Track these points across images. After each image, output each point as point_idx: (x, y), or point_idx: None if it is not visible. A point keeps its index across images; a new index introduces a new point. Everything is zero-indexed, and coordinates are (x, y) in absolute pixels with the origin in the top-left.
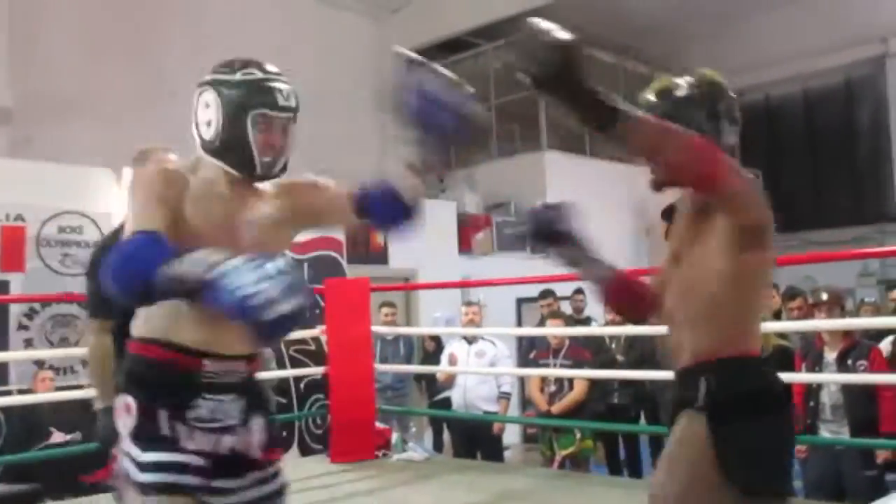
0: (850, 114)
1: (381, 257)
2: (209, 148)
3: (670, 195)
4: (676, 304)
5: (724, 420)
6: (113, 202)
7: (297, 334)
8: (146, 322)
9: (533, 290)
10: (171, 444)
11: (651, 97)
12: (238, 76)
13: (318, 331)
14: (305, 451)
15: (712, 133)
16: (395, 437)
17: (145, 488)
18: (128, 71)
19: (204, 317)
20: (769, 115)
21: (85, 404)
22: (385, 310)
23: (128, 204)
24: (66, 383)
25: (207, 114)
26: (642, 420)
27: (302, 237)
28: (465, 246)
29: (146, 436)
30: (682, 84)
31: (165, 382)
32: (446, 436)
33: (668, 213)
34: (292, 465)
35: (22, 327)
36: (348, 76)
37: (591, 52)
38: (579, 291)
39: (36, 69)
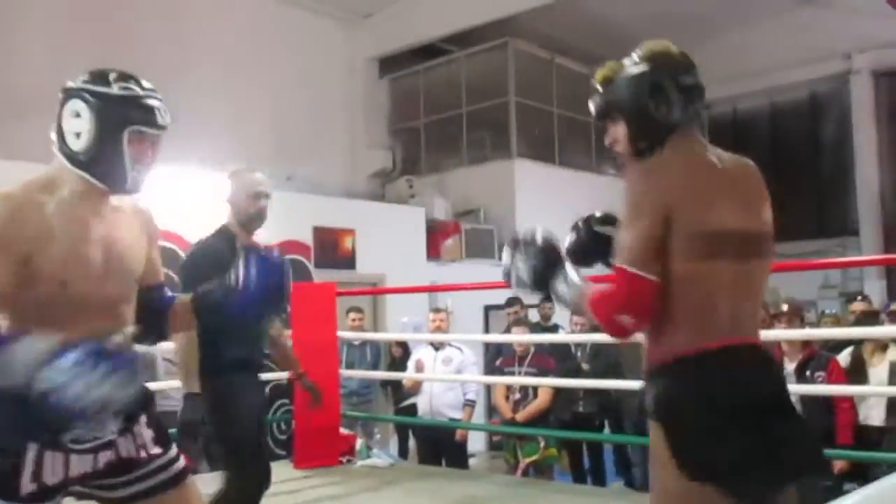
0: (814, 128)
1: (349, 262)
2: (75, 159)
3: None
4: None
5: (675, 429)
6: None
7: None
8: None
9: (501, 297)
10: (13, 494)
11: (596, 86)
12: (115, 90)
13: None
14: (269, 456)
15: (658, 109)
16: (359, 443)
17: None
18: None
19: (55, 327)
20: (736, 127)
21: None
22: (352, 315)
23: None
24: None
25: (76, 124)
26: (606, 429)
27: (270, 240)
28: (433, 252)
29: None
30: (621, 68)
31: (33, 412)
32: (412, 442)
33: None
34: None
35: None
36: (319, 81)
37: (562, 62)
38: (547, 299)
39: (8, 68)
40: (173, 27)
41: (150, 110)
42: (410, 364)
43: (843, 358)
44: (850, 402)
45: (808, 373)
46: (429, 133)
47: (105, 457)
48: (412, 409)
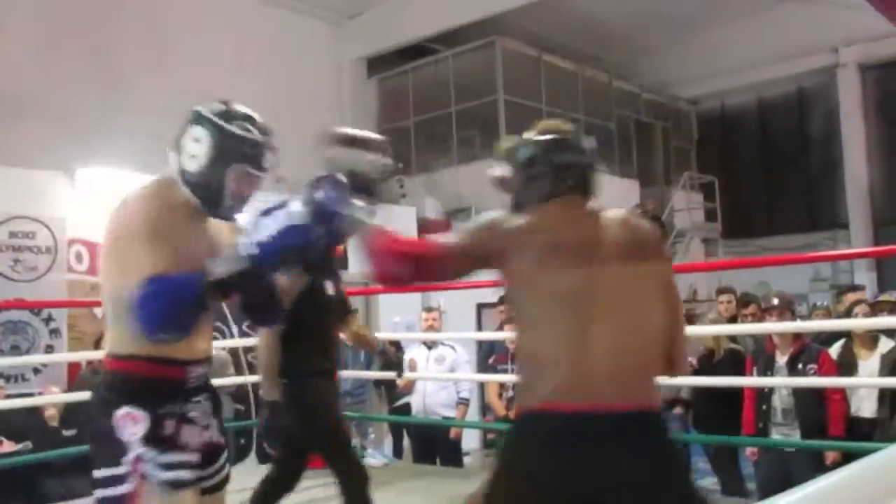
0: (802, 123)
1: (342, 262)
2: (185, 178)
3: (629, 201)
4: None
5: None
6: (66, 206)
7: (255, 341)
8: (127, 340)
9: (493, 296)
10: (179, 447)
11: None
12: (235, 129)
13: None
14: (263, 457)
15: (522, 178)
16: (354, 443)
17: (169, 486)
18: (82, 73)
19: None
20: (724, 123)
21: (33, 412)
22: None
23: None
24: (17, 391)
25: (195, 148)
26: None
27: None
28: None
29: (158, 440)
30: (515, 146)
31: (163, 393)
32: (406, 442)
33: None
34: (250, 473)
35: None
36: (305, 81)
37: (551, 59)
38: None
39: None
40: (157, 29)
41: (260, 154)
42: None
43: (835, 350)
44: (842, 395)
45: (799, 366)
46: (418, 132)
47: (206, 436)
48: (406, 409)
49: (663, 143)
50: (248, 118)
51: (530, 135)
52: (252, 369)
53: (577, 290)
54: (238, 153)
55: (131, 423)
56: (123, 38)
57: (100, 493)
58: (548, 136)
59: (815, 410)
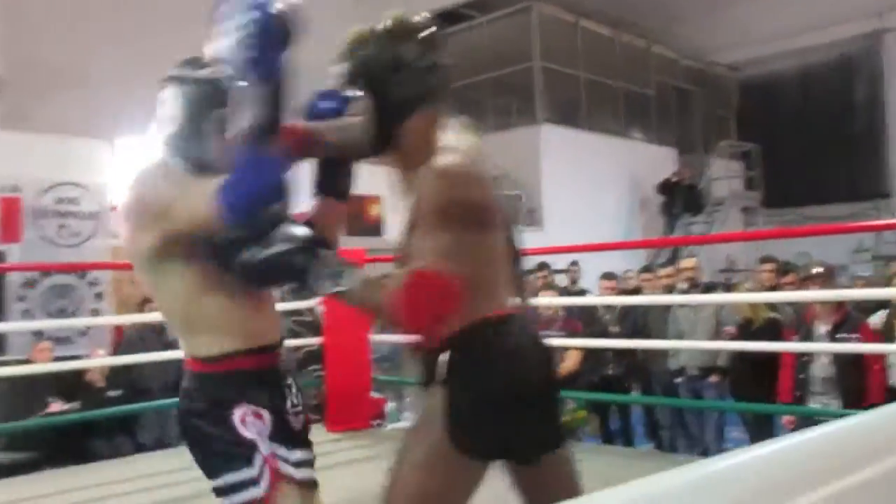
0: (846, 90)
1: (376, 229)
2: (171, 144)
3: (666, 169)
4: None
5: (453, 388)
6: (108, 173)
7: (294, 305)
8: (212, 341)
9: (528, 262)
10: (304, 442)
11: (347, 48)
12: (203, 73)
13: (314, 301)
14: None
15: (398, 85)
16: (389, 407)
17: (305, 485)
18: (119, 42)
19: (259, 312)
20: (765, 90)
21: (81, 374)
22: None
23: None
24: (65, 353)
25: (171, 109)
26: (635, 392)
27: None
28: None
29: (285, 436)
30: (372, 33)
31: (267, 385)
32: None
33: (664, 188)
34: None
35: (20, 298)
36: (331, 52)
37: (587, 24)
38: (574, 263)
39: (28, 40)
40: (184, 7)
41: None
42: None
43: (876, 321)
44: (881, 364)
45: (840, 335)
46: (452, 100)
47: (301, 421)
48: None
49: (703, 111)
50: (217, 60)
51: (384, 28)
52: (291, 333)
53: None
54: (213, 98)
55: (256, 421)
56: (159, 8)
57: (232, 499)
58: (426, 32)
59: (856, 380)
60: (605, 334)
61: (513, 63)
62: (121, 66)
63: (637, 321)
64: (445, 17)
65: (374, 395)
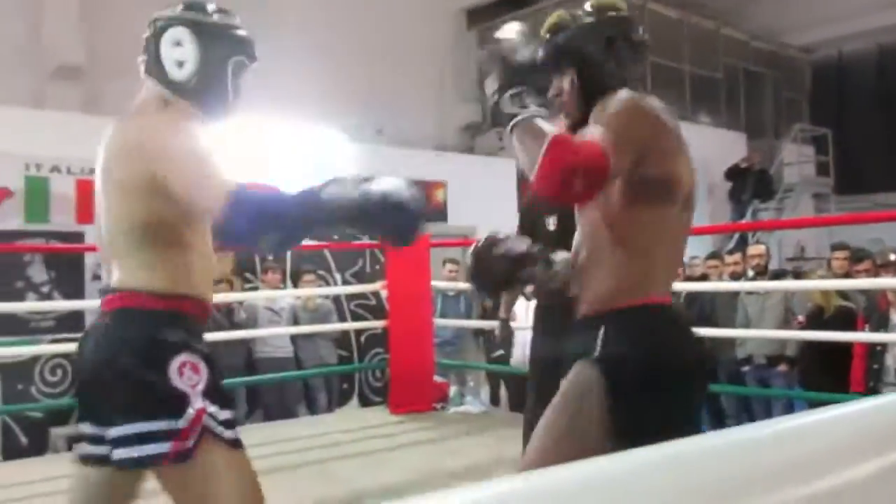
0: None
1: (441, 215)
2: (178, 89)
3: (734, 154)
4: (578, 248)
5: (620, 380)
6: None
7: (357, 288)
8: (167, 276)
9: None
10: (230, 402)
11: (545, 34)
12: (217, 20)
13: (378, 286)
14: (365, 402)
15: (608, 62)
16: (452, 390)
17: (235, 444)
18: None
19: (212, 262)
20: (840, 72)
21: None
22: (449, 266)
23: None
24: None
25: (179, 52)
26: None
27: None
28: (525, 204)
29: (217, 393)
30: (573, 17)
31: (201, 339)
32: (503, 391)
33: (733, 173)
34: (352, 416)
35: (97, 277)
36: (407, 34)
37: (655, 7)
38: None
39: (107, 26)
40: None
41: (250, 42)
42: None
43: None
44: None
45: None
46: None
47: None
48: (503, 360)
49: (773, 94)
50: (220, 9)
51: (588, 9)
52: (355, 317)
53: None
54: (230, 45)
55: (192, 374)
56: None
57: (138, 450)
58: (619, 11)
59: None
60: None
61: None
62: None
63: (704, 308)
64: (513, 1)
65: (437, 378)
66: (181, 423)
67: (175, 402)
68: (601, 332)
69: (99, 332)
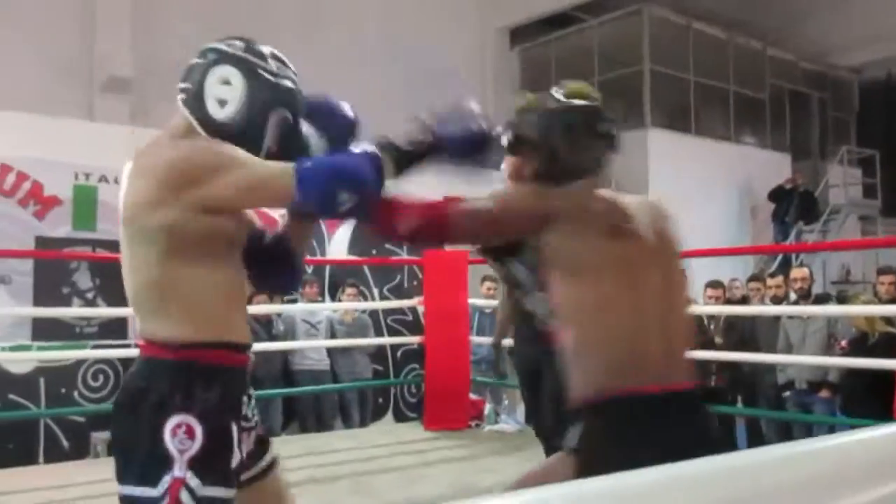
0: None
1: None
2: (212, 126)
3: (779, 175)
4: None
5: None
6: None
7: (395, 304)
8: (188, 322)
9: None
10: (226, 478)
11: (514, 115)
12: (273, 68)
13: (415, 301)
14: (400, 417)
15: (565, 150)
16: (487, 408)
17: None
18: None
19: (233, 305)
20: (889, 93)
21: None
22: (487, 283)
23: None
24: None
25: (224, 91)
26: (739, 405)
27: None
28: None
29: (210, 466)
30: (540, 103)
31: (231, 389)
32: None
33: (777, 194)
34: (387, 431)
35: None
36: (450, 52)
37: (700, 26)
38: None
39: (155, 40)
40: (305, 4)
41: (299, 98)
42: None
43: None
44: None
45: None
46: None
47: (251, 438)
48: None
49: (820, 115)
50: (278, 58)
51: (558, 96)
52: (392, 331)
53: (645, 271)
54: (277, 97)
55: (185, 438)
56: (276, 14)
57: None
58: (591, 103)
59: None
60: (710, 344)
61: (622, 66)
62: None
63: (744, 332)
64: (555, 20)
65: (473, 396)
66: (156, 492)
67: (158, 468)
68: (578, 427)
69: (123, 381)
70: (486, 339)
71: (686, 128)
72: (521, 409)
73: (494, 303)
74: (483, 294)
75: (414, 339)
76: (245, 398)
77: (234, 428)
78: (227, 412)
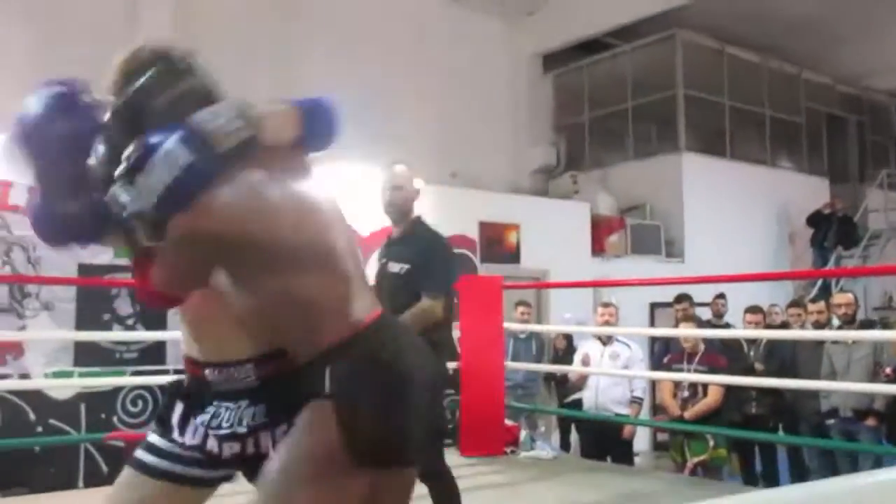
0: None
1: (514, 257)
2: None
3: (817, 199)
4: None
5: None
6: None
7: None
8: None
9: (667, 295)
10: (169, 431)
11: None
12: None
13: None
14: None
15: (175, 119)
16: (523, 434)
17: (130, 460)
18: (271, 77)
19: (196, 329)
20: None
21: None
22: (521, 308)
23: None
24: None
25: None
26: (780, 432)
27: None
28: (597, 248)
29: (158, 418)
30: (127, 74)
31: (184, 385)
32: (574, 437)
33: (815, 219)
34: None
35: None
36: (483, 78)
37: (733, 51)
38: (721, 296)
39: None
40: (340, 30)
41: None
42: (576, 358)
43: None
44: None
45: None
46: (593, 128)
47: (232, 448)
48: (576, 405)
49: (858, 139)
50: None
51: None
52: None
53: None
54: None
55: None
56: (309, 40)
57: None
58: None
59: None
60: (750, 371)
61: (655, 91)
62: (271, 97)
63: (785, 358)
64: (588, 47)
65: (508, 422)
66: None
67: None
68: (324, 371)
69: None
70: (521, 365)
71: (721, 152)
72: (555, 436)
73: (529, 327)
74: (517, 319)
75: (449, 365)
76: (211, 404)
77: (180, 407)
78: (177, 393)
